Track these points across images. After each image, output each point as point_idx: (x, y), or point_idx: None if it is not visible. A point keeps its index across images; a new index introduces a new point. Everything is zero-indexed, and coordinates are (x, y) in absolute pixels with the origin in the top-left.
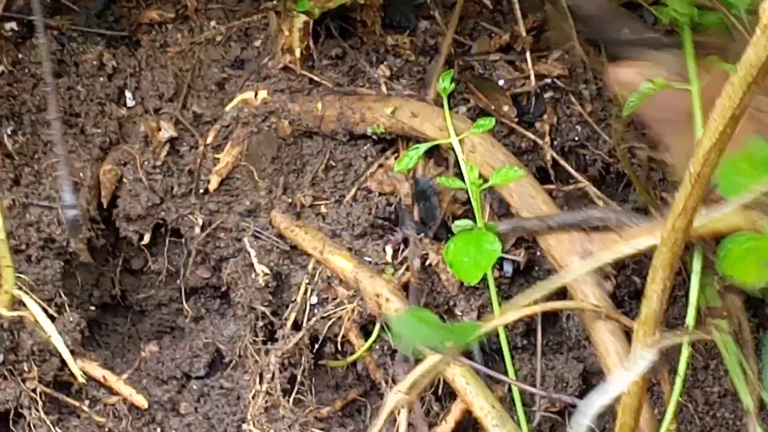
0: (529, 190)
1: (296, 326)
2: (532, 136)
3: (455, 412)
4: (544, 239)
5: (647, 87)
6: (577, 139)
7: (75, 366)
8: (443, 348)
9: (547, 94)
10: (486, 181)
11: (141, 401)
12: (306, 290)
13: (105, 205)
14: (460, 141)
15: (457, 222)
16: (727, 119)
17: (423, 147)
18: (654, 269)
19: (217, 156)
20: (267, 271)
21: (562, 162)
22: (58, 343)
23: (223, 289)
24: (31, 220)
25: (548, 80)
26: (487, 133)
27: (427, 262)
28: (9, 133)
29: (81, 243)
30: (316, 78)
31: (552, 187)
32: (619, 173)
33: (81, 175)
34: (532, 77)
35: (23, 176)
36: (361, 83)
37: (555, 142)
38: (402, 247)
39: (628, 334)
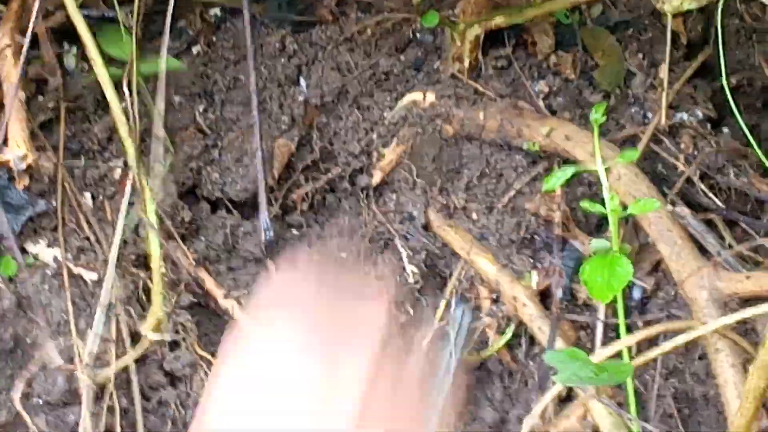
0: (667, 222)
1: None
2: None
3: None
4: (676, 271)
5: None
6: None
7: None
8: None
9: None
10: (626, 208)
11: None
12: (451, 288)
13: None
14: (606, 169)
15: (593, 241)
16: None
17: (570, 171)
18: None
19: (383, 151)
20: (416, 270)
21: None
22: None
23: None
24: None
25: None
26: (632, 163)
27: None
28: (201, 110)
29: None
30: (480, 88)
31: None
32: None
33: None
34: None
35: (207, 151)
36: (521, 95)
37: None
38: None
39: (746, 368)
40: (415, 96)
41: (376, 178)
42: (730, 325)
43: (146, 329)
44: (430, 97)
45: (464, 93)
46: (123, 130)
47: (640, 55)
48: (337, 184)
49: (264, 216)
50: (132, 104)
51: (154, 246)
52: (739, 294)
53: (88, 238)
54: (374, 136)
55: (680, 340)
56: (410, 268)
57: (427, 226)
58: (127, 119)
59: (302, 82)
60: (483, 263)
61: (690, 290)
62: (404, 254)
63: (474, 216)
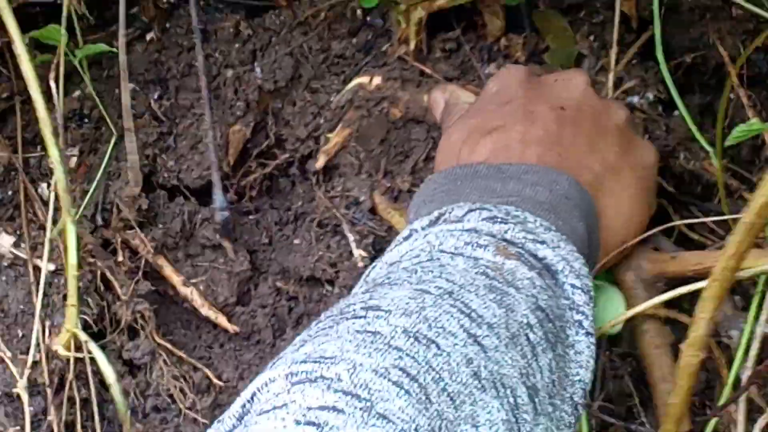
0: None
1: None
2: None
3: None
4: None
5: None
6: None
7: None
8: None
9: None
10: None
11: None
12: None
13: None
14: None
15: None
16: None
17: None
18: (702, 299)
19: (328, 135)
20: (365, 254)
21: None
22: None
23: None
24: None
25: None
26: None
27: None
28: (155, 98)
29: (228, 242)
30: (427, 70)
31: None
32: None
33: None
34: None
35: (162, 138)
36: (471, 78)
37: None
38: None
39: (674, 350)
40: (362, 79)
41: (321, 161)
42: (660, 305)
43: (57, 345)
44: (377, 80)
45: (410, 75)
46: (46, 130)
47: (591, 38)
48: (287, 170)
49: (219, 196)
50: (58, 99)
51: (71, 255)
52: (665, 274)
53: (44, 228)
54: (321, 120)
55: (608, 325)
56: (358, 253)
57: (373, 210)
58: (53, 120)
59: (257, 67)
60: None
61: (619, 272)
62: (351, 239)
63: None
